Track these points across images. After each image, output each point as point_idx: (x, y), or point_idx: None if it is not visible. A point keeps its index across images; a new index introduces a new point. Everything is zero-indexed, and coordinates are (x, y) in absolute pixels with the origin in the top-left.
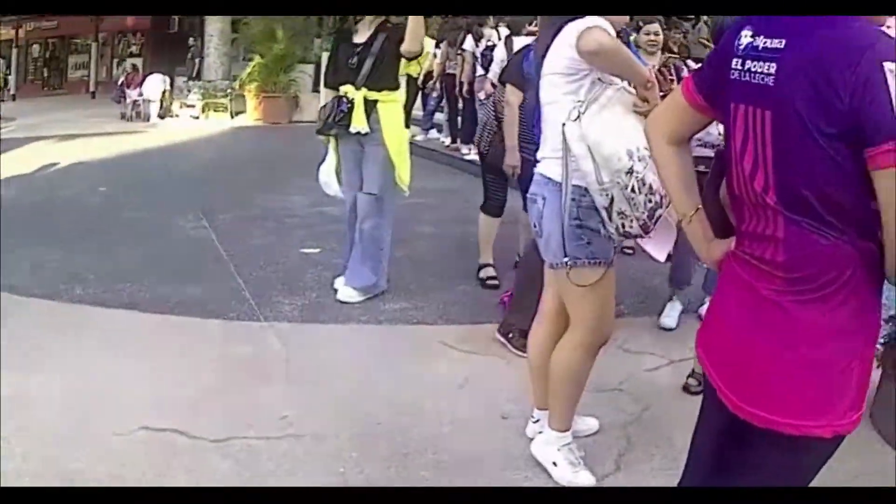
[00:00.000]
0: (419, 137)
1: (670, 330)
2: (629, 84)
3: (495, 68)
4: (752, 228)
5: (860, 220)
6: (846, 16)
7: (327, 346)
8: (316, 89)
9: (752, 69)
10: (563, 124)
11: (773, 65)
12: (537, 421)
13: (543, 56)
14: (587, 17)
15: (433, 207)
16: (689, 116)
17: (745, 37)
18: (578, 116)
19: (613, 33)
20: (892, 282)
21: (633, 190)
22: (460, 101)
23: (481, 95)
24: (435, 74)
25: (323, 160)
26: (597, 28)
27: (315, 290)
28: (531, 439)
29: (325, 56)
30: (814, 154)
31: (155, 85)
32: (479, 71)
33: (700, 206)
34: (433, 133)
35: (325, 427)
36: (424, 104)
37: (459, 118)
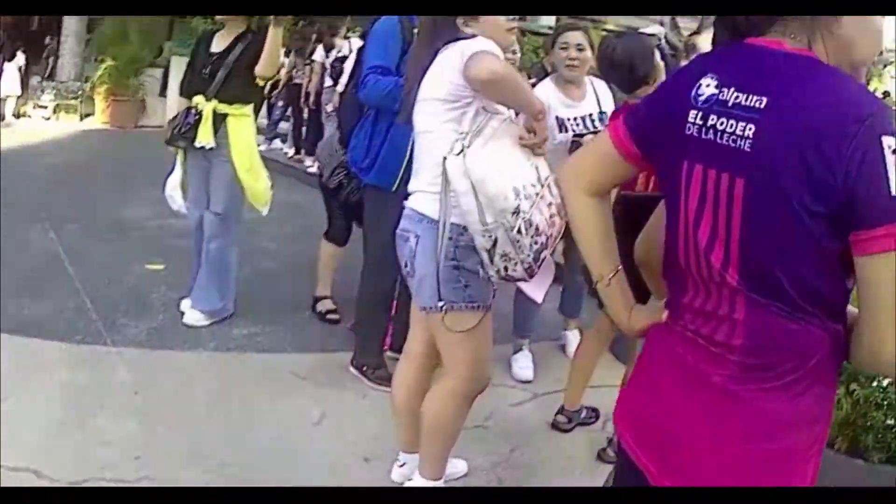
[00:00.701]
0: (263, 147)
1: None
2: (516, 114)
3: (345, 80)
4: (700, 305)
5: (833, 304)
6: (832, 68)
7: (176, 376)
8: (163, 93)
9: (720, 128)
10: (445, 158)
11: (752, 127)
12: (403, 465)
13: (420, 79)
14: (473, 39)
15: (276, 222)
16: (615, 166)
17: (707, 87)
18: (462, 150)
19: (503, 57)
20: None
21: (518, 231)
22: (306, 111)
23: (328, 108)
24: (281, 84)
25: (171, 171)
26: (489, 54)
27: (161, 312)
28: (399, 484)
29: (174, 60)
30: (793, 232)
31: (11, 81)
32: (328, 82)
33: (620, 268)
34: (276, 143)
35: (179, 472)
36: (269, 113)
37: (304, 129)
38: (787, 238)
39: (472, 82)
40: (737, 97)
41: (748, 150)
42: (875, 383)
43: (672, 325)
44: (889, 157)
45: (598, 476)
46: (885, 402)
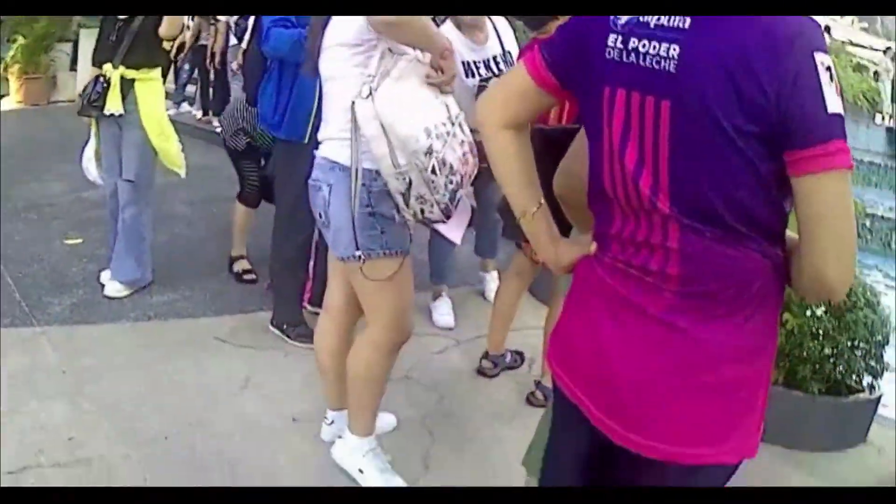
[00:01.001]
0: (171, 112)
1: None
2: (422, 53)
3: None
4: (630, 234)
5: (770, 227)
6: None
7: (102, 350)
8: (74, 68)
9: (643, 50)
10: (353, 102)
11: (676, 47)
12: (332, 423)
13: (324, 26)
14: None
15: (188, 186)
16: (534, 98)
17: None
18: (370, 93)
19: None
20: (797, 294)
21: (433, 171)
22: (212, 72)
23: (234, 66)
24: (187, 46)
25: (86, 143)
26: None
27: (82, 287)
28: (330, 443)
29: (83, 33)
30: (725, 154)
31: None
32: (233, 41)
33: (543, 201)
34: (185, 106)
35: (112, 448)
36: (177, 77)
37: (211, 90)
38: (718, 160)
39: (376, 25)
40: (659, 18)
41: (673, 71)
42: (809, 313)
43: (601, 257)
44: (823, 74)
45: (529, 420)
46: (821, 332)
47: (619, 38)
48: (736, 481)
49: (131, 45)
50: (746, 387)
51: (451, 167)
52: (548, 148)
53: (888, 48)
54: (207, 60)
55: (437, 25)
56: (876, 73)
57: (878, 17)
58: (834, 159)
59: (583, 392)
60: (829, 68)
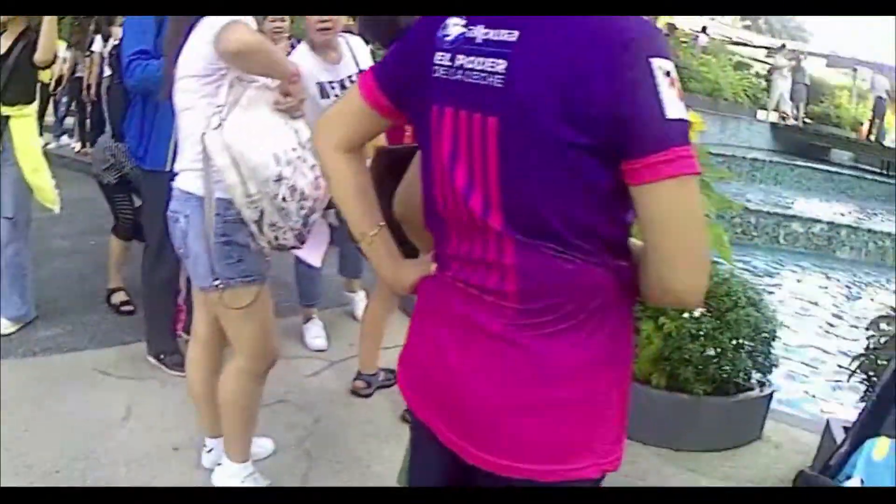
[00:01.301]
0: (52, 145)
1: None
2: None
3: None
4: (467, 252)
5: (612, 239)
6: None
7: None
8: None
9: (469, 66)
10: (203, 134)
11: (503, 62)
12: (211, 450)
13: (176, 56)
14: None
15: (67, 219)
16: (367, 120)
17: (455, 26)
18: (220, 124)
19: (255, 25)
20: (647, 303)
21: (283, 199)
22: (89, 104)
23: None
24: (65, 79)
25: None
26: (238, 24)
27: None
28: (210, 470)
29: None
30: (557, 169)
31: None
32: (107, 71)
33: (382, 224)
34: (64, 139)
35: (8, 483)
36: (56, 110)
37: (88, 122)
38: (550, 175)
39: (224, 56)
40: (486, 33)
41: (499, 86)
42: (686, 315)
43: (441, 276)
44: (661, 80)
45: (404, 437)
46: (701, 333)
47: (447, 55)
48: (625, 485)
49: (7, 82)
50: (596, 400)
51: (303, 193)
52: (394, 168)
53: (783, 45)
54: (83, 92)
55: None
56: (770, 69)
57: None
58: (674, 166)
59: (433, 414)
60: (668, 73)
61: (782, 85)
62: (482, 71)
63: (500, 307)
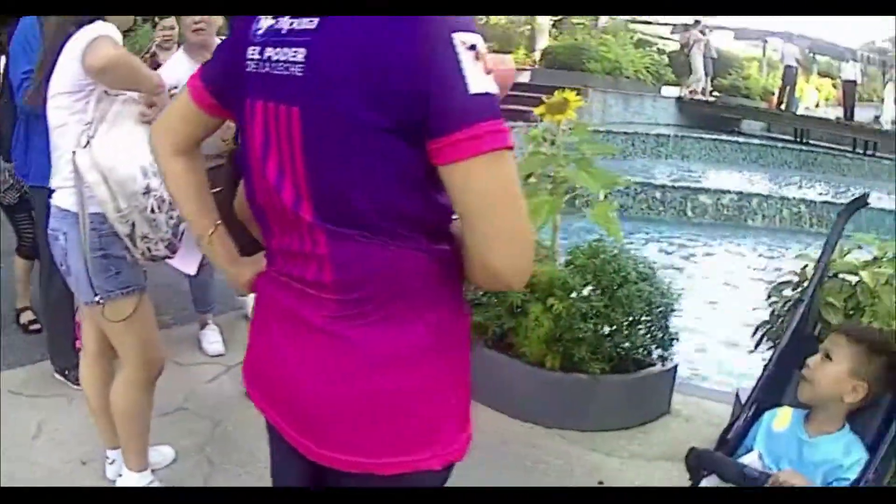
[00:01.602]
0: None
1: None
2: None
3: None
4: (287, 245)
5: (429, 223)
6: None
7: None
8: None
9: (274, 58)
10: (74, 153)
11: (303, 51)
12: (113, 462)
13: (50, 73)
14: (91, 25)
15: None
16: (199, 121)
17: (266, 19)
18: (88, 142)
19: (120, 39)
20: (472, 288)
21: (152, 210)
22: None
23: None
24: None
25: None
26: (103, 39)
27: None
28: (112, 482)
29: None
30: (363, 155)
31: None
32: None
33: (219, 223)
34: None
35: None
36: None
37: None
38: (356, 162)
39: (89, 71)
40: (291, 23)
41: (300, 75)
42: (575, 294)
43: (270, 272)
44: (464, 54)
45: None
46: (592, 312)
47: (257, 49)
48: (532, 470)
49: None
50: (429, 389)
51: (171, 203)
52: (238, 167)
53: (696, 20)
54: None
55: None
56: (687, 44)
57: None
58: (482, 142)
59: (275, 412)
60: (473, 47)
61: (698, 60)
62: (285, 61)
63: (320, 299)
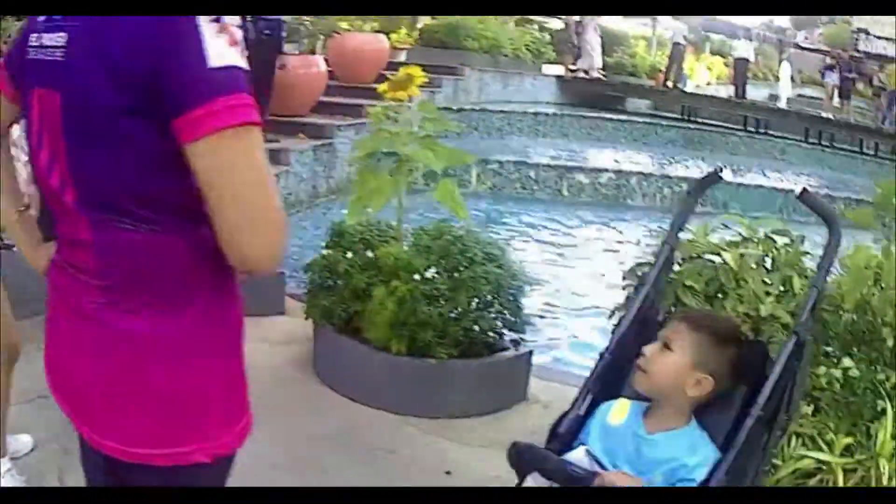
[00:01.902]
0: None
1: None
2: None
3: None
4: (65, 233)
5: (187, 207)
6: None
7: None
8: None
9: (46, 44)
10: None
11: (64, 35)
12: None
13: None
14: None
15: None
16: (4, 108)
17: None
18: None
19: None
20: (241, 270)
21: None
22: None
23: None
24: None
25: None
26: None
27: None
28: None
29: None
30: (113, 138)
31: None
32: None
33: (23, 208)
34: None
35: None
36: None
37: None
38: (108, 146)
39: None
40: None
41: (61, 59)
42: (418, 276)
43: (56, 259)
44: (206, 27)
45: None
46: (438, 295)
47: (36, 35)
48: (377, 458)
49: None
50: (194, 379)
51: None
52: None
53: None
54: None
55: None
56: (578, 25)
57: None
58: (220, 118)
59: (63, 400)
60: (217, 19)
61: (594, 39)
62: (52, 46)
63: (88, 285)
